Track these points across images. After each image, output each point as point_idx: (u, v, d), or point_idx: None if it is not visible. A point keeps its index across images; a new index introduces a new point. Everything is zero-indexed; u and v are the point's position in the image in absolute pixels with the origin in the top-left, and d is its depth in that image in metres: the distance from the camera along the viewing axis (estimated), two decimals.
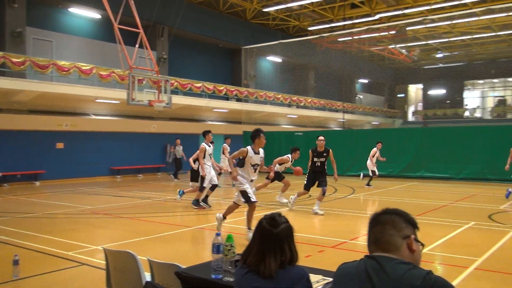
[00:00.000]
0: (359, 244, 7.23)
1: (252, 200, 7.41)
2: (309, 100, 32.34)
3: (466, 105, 42.89)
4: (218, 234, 3.05)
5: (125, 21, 16.77)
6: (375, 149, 16.43)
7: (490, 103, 42.58)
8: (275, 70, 33.83)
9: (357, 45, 31.52)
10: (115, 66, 19.05)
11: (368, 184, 16.42)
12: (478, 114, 42.07)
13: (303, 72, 35.05)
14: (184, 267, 3.22)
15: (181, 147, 20.10)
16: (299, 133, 24.01)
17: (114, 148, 21.16)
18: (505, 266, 5.94)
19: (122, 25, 16.23)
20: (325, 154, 10.46)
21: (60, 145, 19.26)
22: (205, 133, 11.44)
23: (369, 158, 16.46)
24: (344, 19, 27.72)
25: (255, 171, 7.67)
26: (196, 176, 11.83)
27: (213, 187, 11.32)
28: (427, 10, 26.20)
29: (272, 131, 24.17)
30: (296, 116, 31.61)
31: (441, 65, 41.72)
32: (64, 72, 18.09)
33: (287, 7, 26.87)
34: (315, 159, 10.47)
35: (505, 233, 8.03)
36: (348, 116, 34.54)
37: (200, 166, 11.11)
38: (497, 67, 37.44)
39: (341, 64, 34.48)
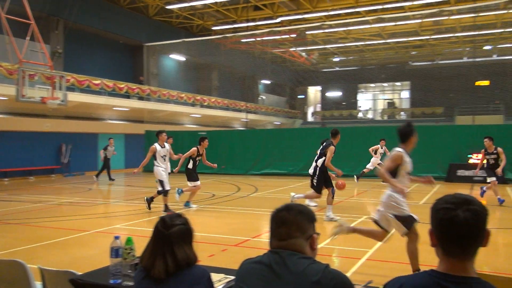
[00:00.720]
0: (261, 242, 7.38)
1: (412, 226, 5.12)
2: (213, 100, 32.44)
3: (360, 106, 45.78)
4: (117, 237, 2.93)
5: (14, 11, 15.51)
6: (378, 146, 16.52)
7: (381, 105, 45.91)
8: (179, 69, 33.43)
9: (259, 47, 32.23)
10: (2, 59, 17.50)
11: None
12: (370, 115, 45.08)
13: (206, 72, 35.05)
14: (80, 273, 3.05)
15: (113, 147, 18.98)
16: (203, 133, 23.95)
17: (0, 149, 19.43)
18: (393, 256, 6.44)
19: (10, 15, 15.01)
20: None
21: None
22: (158, 133, 10.74)
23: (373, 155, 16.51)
24: (247, 21, 28.18)
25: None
26: (190, 175, 11.32)
27: (166, 192, 10.43)
28: (325, 16, 27.57)
29: (176, 130, 23.83)
30: (200, 116, 31.51)
31: (337, 68, 44.08)
32: None
33: (191, 6, 26.66)
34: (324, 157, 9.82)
35: None
36: (251, 116, 35.17)
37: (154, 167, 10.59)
38: (387, 72, 40.56)
39: (244, 65, 35.02)
